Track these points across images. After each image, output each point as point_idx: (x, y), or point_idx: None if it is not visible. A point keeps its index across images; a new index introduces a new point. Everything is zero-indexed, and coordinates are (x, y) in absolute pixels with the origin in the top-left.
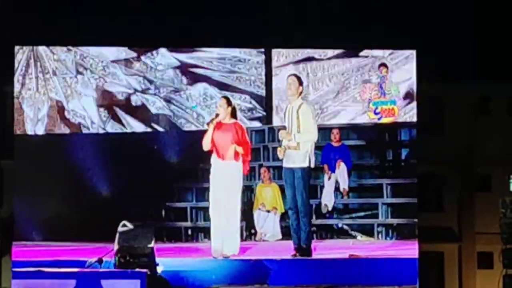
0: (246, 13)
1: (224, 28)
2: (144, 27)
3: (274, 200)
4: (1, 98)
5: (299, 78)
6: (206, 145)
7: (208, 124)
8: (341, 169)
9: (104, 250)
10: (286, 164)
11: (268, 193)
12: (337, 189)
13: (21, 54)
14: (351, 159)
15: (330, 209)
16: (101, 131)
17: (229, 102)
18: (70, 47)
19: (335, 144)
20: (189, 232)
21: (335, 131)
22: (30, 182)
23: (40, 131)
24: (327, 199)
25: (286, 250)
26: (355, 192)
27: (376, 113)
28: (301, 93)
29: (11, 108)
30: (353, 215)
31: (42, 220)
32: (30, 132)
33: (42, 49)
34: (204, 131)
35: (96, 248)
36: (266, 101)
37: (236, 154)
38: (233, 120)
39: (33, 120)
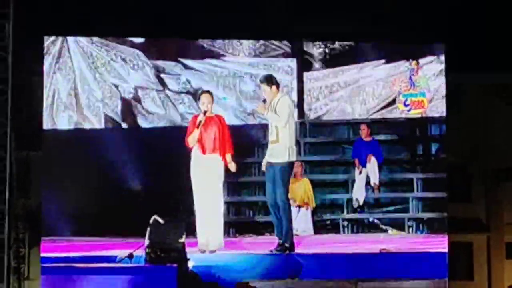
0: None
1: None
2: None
3: (305, 195)
4: (29, 89)
5: (270, 81)
6: (193, 142)
7: (197, 126)
8: (372, 163)
9: (135, 245)
10: (268, 159)
11: (299, 188)
12: (368, 183)
13: (52, 44)
14: (382, 154)
15: (361, 203)
16: (133, 125)
17: (212, 96)
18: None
19: (365, 139)
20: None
21: (363, 126)
22: (59, 175)
23: (71, 123)
24: (358, 194)
25: (317, 245)
26: (386, 187)
27: (406, 105)
28: (278, 91)
29: (41, 98)
30: (384, 209)
31: (71, 214)
32: (60, 124)
33: (74, 39)
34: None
35: (127, 243)
36: (297, 94)
37: (219, 148)
38: (214, 113)
39: (64, 112)
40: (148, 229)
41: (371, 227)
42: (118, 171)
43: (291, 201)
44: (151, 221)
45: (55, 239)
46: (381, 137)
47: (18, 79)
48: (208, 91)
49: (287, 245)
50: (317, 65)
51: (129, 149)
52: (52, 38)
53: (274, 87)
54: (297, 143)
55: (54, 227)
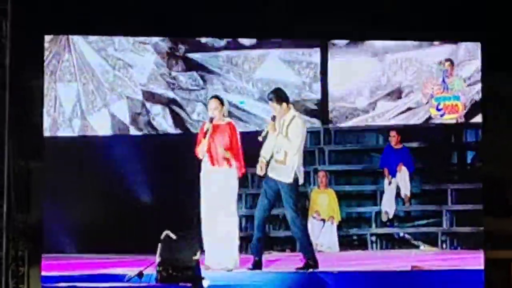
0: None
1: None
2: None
3: (331, 208)
4: (29, 93)
5: (279, 98)
6: (202, 153)
7: (204, 135)
8: (402, 173)
9: (145, 263)
10: (270, 174)
11: (324, 200)
12: (398, 195)
13: (54, 44)
14: (413, 163)
15: (390, 216)
16: (142, 133)
17: (222, 102)
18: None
19: (395, 147)
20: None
21: (392, 133)
22: (61, 187)
23: (74, 131)
24: (388, 206)
25: (343, 262)
26: (418, 198)
27: (438, 109)
28: (288, 108)
29: (41, 104)
30: (415, 223)
31: (75, 229)
32: (62, 131)
33: (78, 39)
34: (196, 135)
35: (136, 260)
36: (321, 101)
37: (227, 159)
38: (226, 120)
39: (66, 118)
40: (160, 245)
41: (402, 243)
42: (127, 182)
43: (314, 215)
44: (162, 236)
45: (57, 256)
46: (413, 144)
47: (16, 82)
48: (216, 96)
49: (310, 262)
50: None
51: (139, 158)
52: (52, 37)
53: (284, 104)
54: (321, 151)
55: (56, 244)
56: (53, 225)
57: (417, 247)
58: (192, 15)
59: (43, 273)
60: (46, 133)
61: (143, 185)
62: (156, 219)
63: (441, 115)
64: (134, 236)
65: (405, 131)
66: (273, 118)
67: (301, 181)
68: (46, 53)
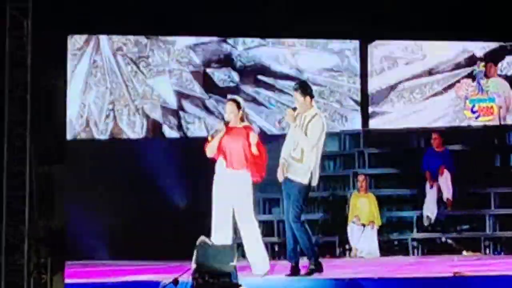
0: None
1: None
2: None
3: (371, 213)
4: (51, 95)
5: (305, 91)
6: (211, 151)
7: (213, 136)
8: (445, 176)
9: (180, 269)
10: (288, 174)
11: (364, 204)
12: (440, 199)
13: (86, 45)
14: (454, 166)
15: (432, 221)
16: (177, 136)
17: (239, 106)
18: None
19: (437, 149)
20: (276, 248)
21: (434, 135)
22: (86, 191)
23: (105, 134)
24: (430, 210)
25: (384, 268)
26: (460, 203)
27: (473, 112)
28: (311, 105)
29: (64, 105)
30: (458, 227)
31: (100, 235)
32: (91, 133)
33: (109, 38)
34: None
35: (171, 267)
36: (361, 102)
37: (247, 160)
38: (243, 124)
39: (96, 121)
40: (195, 251)
41: (444, 248)
42: (161, 186)
43: (354, 219)
44: (198, 242)
45: (82, 263)
46: (455, 147)
47: (38, 83)
48: (233, 99)
49: (313, 266)
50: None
51: (173, 162)
52: (86, 37)
53: (308, 98)
54: (361, 153)
55: (80, 251)
56: (77, 231)
57: (460, 252)
58: (193, 15)
59: (67, 281)
60: (69, 136)
61: (178, 189)
62: (192, 224)
63: (476, 118)
64: (169, 242)
65: (447, 134)
66: (294, 108)
67: (314, 183)
68: (78, 53)
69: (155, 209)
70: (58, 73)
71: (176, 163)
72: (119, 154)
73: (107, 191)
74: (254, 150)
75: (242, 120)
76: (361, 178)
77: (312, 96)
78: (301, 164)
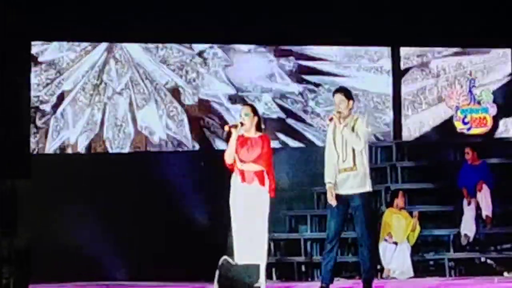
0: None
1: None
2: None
3: (405, 230)
4: (16, 104)
5: (349, 94)
6: (230, 157)
7: (230, 127)
8: (483, 192)
9: None
10: (340, 190)
11: (398, 222)
12: (478, 216)
13: (93, 50)
14: (493, 180)
15: (471, 240)
16: (191, 148)
17: (254, 111)
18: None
19: (473, 163)
20: (303, 268)
21: (467, 150)
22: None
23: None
24: (468, 228)
25: None
26: (500, 220)
27: (464, 123)
28: (351, 108)
29: (28, 117)
30: (498, 247)
31: (71, 255)
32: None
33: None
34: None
35: None
36: (393, 113)
37: (261, 177)
38: (259, 133)
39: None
40: (217, 271)
41: (483, 269)
42: (180, 202)
43: (386, 237)
44: (220, 262)
45: (48, 286)
46: (492, 160)
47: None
48: (249, 104)
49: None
50: None
51: (189, 175)
52: (107, 45)
53: (351, 101)
54: (394, 168)
55: (47, 271)
56: (43, 250)
57: (500, 273)
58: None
59: None
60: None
61: (199, 206)
62: (213, 243)
63: (468, 129)
64: (190, 262)
65: (482, 147)
66: (339, 112)
67: (371, 189)
68: (99, 61)
69: (176, 228)
70: (23, 82)
71: (196, 178)
72: (95, 168)
73: (77, 208)
74: (270, 162)
75: (257, 128)
76: (400, 194)
77: (353, 101)
78: (355, 172)
